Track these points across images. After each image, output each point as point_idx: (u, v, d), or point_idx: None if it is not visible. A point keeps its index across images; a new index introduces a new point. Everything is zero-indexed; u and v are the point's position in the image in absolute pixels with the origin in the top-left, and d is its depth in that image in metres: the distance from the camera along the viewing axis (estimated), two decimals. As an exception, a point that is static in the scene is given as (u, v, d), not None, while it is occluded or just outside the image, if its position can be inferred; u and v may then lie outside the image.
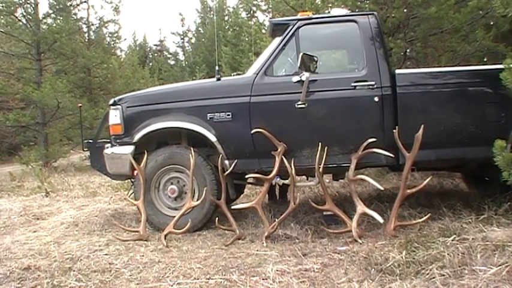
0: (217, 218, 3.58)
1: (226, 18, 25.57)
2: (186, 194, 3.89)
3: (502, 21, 5.23)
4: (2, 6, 11.11)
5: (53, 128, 11.40)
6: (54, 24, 12.07)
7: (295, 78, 3.71)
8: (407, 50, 5.99)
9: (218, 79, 3.92)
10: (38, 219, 4.84)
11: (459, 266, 2.49)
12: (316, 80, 3.70)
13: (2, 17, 11.37)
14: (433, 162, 3.81)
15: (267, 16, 11.25)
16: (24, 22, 11.45)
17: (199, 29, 30.30)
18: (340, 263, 2.78)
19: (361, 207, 3.41)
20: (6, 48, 12.44)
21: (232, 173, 3.81)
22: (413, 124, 3.37)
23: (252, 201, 3.68)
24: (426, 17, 5.30)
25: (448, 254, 2.63)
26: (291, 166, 3.52)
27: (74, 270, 2.89)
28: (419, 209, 3.89)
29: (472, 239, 2.93)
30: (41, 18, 11.66)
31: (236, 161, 3.75)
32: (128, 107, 3.95)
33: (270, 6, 9.87)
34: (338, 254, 2.95)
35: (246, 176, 3.91)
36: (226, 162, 3.75)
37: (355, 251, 2.97)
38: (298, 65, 3.52)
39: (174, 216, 3.68)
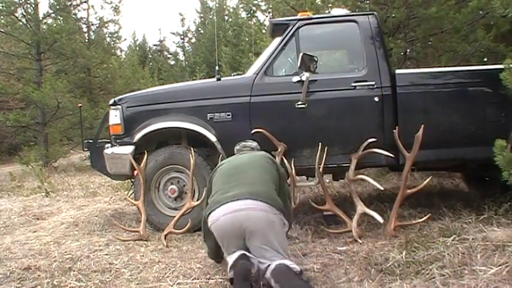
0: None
1: (226, 18, 25.56)
2: (186, 194, 3.89)
3: (502, 22, 5.22)
4: (2, 6, 11.11)
5: (53, 128, 11.39)
6: (54, 24, 12.07)
7: (295, 78, 3.71)
8: (407, 50, 5.98)
9: (218, 79, 3.92)
10: (38, 219, 4.84)
11: (459, 266, 2.48)
12: (316, 80, 3.70)
13: (2, 17, 11.37)
14: (433, 162, 3.81)
15: (267, 16, 11.25)
16: (24, 22, 11.45)
17: (199, 29, 30.30)
18: (340, 263, 2.78)
19: (361, 207, 3.41)
20: (6, 48, 12.43)
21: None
22: (413, 124, 3.37)
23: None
24: (426, 17, 5.29)
25: (448, 254, 2.63)
26: (291, 166, 3.53)
27: (74, 270, 2.89)
28: (419, 209, 3.89)
29: (472, 239, 2.93)
30: (41, 18, 11.66)
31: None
32: (128, 107, 3.95)
33: (270, 6, 9.86)
34: (338, 254, 2.95)
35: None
36: (226, 162, 3.75)
37: (355, 251, 2.97)
38: (298, 65, 3.52)
39: (174, 216, 3.68)
